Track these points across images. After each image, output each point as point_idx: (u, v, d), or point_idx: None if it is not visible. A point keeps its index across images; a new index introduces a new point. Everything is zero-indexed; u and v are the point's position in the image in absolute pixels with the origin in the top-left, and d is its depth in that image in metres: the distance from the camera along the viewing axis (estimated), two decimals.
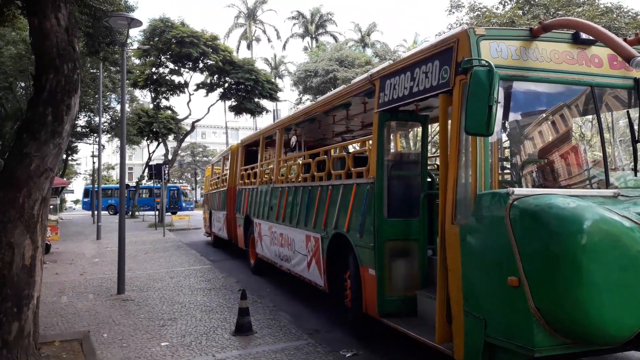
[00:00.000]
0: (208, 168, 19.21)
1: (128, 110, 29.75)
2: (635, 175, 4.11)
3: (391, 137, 5.77)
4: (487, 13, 18.02)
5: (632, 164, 4.09)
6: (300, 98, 36.06)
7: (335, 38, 49.69)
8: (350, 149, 8.49)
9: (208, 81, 26.39)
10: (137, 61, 25.43)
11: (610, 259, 3.04)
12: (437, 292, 4.06)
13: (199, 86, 26.71)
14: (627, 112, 4.17)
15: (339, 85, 14.20)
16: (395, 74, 4.91)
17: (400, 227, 5.04)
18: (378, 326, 5.17)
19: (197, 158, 60.19)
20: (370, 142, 5.37)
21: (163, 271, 10.16)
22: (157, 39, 22.80)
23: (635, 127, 4.00)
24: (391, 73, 5.01)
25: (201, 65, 24.81)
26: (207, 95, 26.56)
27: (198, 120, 26.96)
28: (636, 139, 4.00)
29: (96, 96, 20.67)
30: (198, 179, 61.18)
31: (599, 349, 3.42)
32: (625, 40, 3.88)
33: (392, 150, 5.91)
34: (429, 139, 8.47)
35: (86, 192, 42.84)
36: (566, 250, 3.02)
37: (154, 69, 24.66)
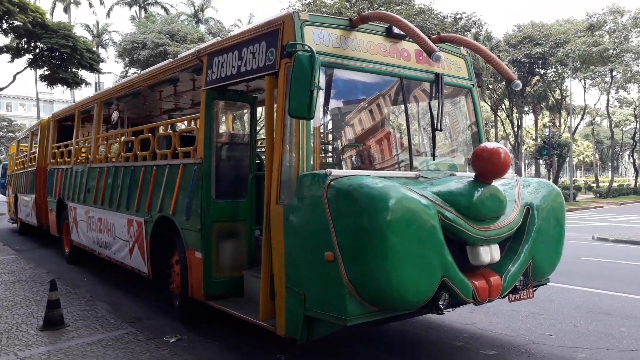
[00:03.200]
0: (13, 145, 16.83)
1: None
2: (434, 159, 4.68)
3: (220, 117, 5.67)
4: (317, 2, 18.74)
5: (432, 150, 4.65)
6: (127, 71, 33.47)
7: (166, 10, 46.94)
8: (179, 127, 8.15)
9: (14, 45, 22.94)
10: None
11: (409, 233, 3.40)
12: (262, 271, 4.14)
13: (2, 49, 23.07)
14: (429, 103, 4.69)
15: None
16: (224, 52, 4.82)
17: (228, 208, 5.02)
18: (206, 309, 5.11)
19: (1, 134, 52.42)
20: (198, 121, 5.22)
21: None
22: None
23: (435, 117, 4.54)
24: (219, 50, 4.90)
25: (5, 25, 21.44)
26: (12, 60, 23.08)
27: (1, 89, 23.40)
28: (435, 127, 4.54)
29: None
30: (2, 157, 53.31)
31: (401, 314, 3.84)
32: (429, 37, 4.36)
33: (221, 131, 5.83)
34: (259, 120, 8.54)
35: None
36: (374, 225, 3.31)
37: None
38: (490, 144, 3.91)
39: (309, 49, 3.65)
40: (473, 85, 5.18)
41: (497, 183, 3.90)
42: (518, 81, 4.77)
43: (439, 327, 5.43)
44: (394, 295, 3.41)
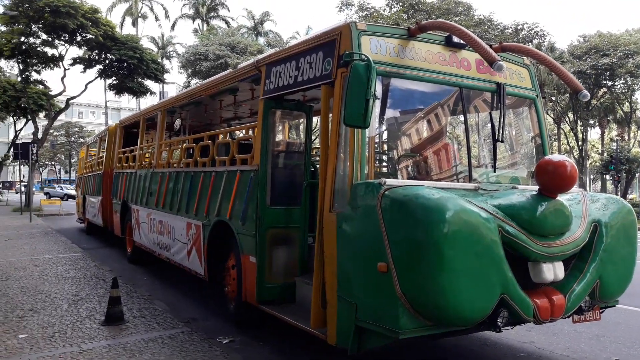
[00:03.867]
0: (82, 150, 17.81)
1: None
2: (494, 171, 4.54)
3: (277, 126, 5.76)
4: (374, 13, 18.79)
5: (492, 161, 4.51)
6: (189, 81, 34.79)
7: (227, 23, 48.52)
8: (238, 135, 8.35)
9: (86, 56, 24.41)
10: (2, 28, 22.77)
11: (468, 247, 3.30)
12: (314, 278, 4.15)
13: (75, 61, 24.59)
14: (490, 114, 4.57)
15: None
16: (281, 62, 4.90)
17: (282, 215, 5.07)
18: (258, 314, 5.17)
19: (73, 139, 55.62)
20: (256, 129, 5.33)
21: (27, 259, 9.25)
22: (27, 5, 20.56)
23: (496, 128, 4.40)
24: (277, 60, 5.00)
25: (79, 38, 22.88)
26: (84, 71, 24.59)
27: (73, 98, 24.90)
28: (496, 139, 4.40)
29: None
30: (73, 161, 56.56)
31: (456, 329, 3.72)
32: (490, 47, 4.25)
33: (277, 139, 5.92)
34: (314, 129, 8.62)
35: None
36: (429, 237, 3.23)
37: (23, 38, 22.24)
38: (556, 157, 3.74)
39: (365, 58, 3.64)
40: (537, 95, 5.00)
41: (562, 197, 3.72)
42: (586, 92, 4.56)
43: (494, 345, 5.23)
44: (449, 311, 3.31)
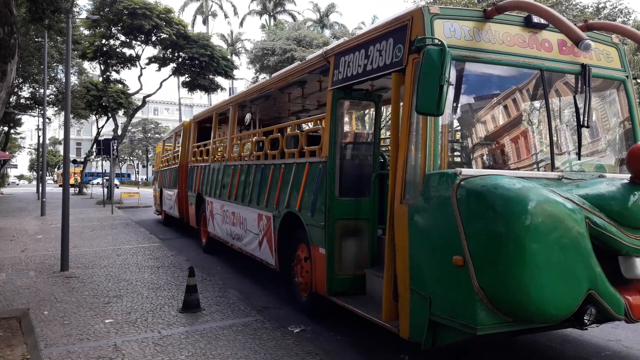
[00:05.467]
0: (159, 145, 18.67)
1: (76, 82, 28.34)
2: (579, 159, 4.24)
3: (345, 116, 5.73)
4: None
5: (577, 148, 4.22)
6: (257, 77, 35.49)
7: (293, 17, 49.01)
8: (305, 127, 8.40)
9: (161, 55, 25.55)
10: (86, 32, 24.32)
11: (552, 240, 3.11)
12: (385, 271, 4.08)
13: (151, 60, 25.83)
14: (574, 97, 4.26)
15: None
16: (350, 51, 4.84)
17: (351, 206, 5.03)
18: (328, 304, 5.18)
19: (149, 135, 58.54)
20: (324, 121, 5.31)
21: (110, 249, 9.84)
22: (107, 9, 21.84)
23: (581, 113, 4.11)
24: (346, 50, 4.94)
25: (154, 38, 24.00)
26: (159, 69, 25.77)
27: (149, 95, 26.15)
28: (581, 124, 4.11)
29: (41, 67, 19.57)
30: (150, 156, 59.57)
31: (538, 326, 3.52)
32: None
33: (345, 130, 5.88)
34: (383, 119, 8.49)
35: None
36: (510, 230, 3.07)
37: (104, 41, 23.66)
38: None
39: (439, 43, 3.50)
40: (627, 76, 4.60)
41: None
42: None
43: (576, 342, 4.93)
44: (531, 308, 3.13)
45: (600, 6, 25.15)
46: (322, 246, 5.05)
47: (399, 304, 3.91)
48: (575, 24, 3.96)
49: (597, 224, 3.22)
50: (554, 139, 4.18)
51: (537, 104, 4.35)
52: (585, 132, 4.26)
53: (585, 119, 4.04)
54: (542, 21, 4.01)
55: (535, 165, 4.29)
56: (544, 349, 4.76)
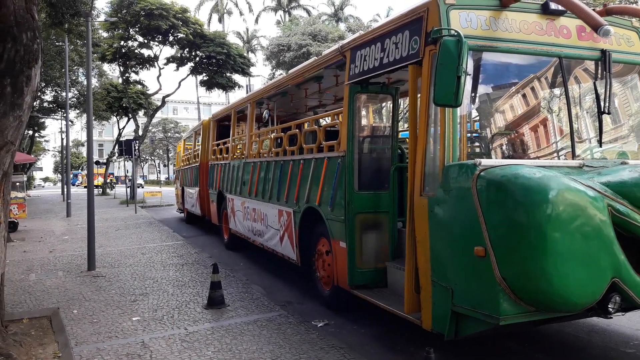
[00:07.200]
0: (179, 144, 18.89)
1: (97, 85, 28.89)
2: (600, 146, 4.19)
3: (362, 110, 5.73)
4: None
5: (598, 135, 4.16)
6: (274, 73, 35.60)
7: (308, 12, 48.90)
8: (323, 122, 8.42)
9: (178, 55, 25.79)
10: (104, 34, 24.68)
11: (574, 228, 3.09)
12: (406, 263, 4.09)
13: (169, 60, 26.09)
14: (594, 84, 4.20)
15: None
16: (366, 45, 4.84)
17: (370, 200, 5.04)
18: (350, 298, 5.22)
19: (169, 134, 59.22)
20: (342, 115, 5.32)
21: (135, 247, 10.03)
22: (125, 11, 22.10)
23: (601, 99, 4.05)
24: (362, 44, 4.94)
25: (171, 38, 24.23)
26: (177, 69, 26.02)
27: (168, 95, 26.43)
28: (602, 111, 4.05)
29: (62, 70, 19.96)
30: (170, 155, 60.29)
31: (562, 315, 3.51)
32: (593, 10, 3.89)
33: (363, 124, 5.89)
34: (400, 112, 8.47)
35: None
36: (532, 219, 3.06)
37: (122, 42, 23.97)
38: None
39: (455, 33, 3.49)
40: None
41: None
42: None
43: (603, 331, 4.88)
44: (554, 297, 3.12)
45: None
46: (342, 240, 5.08)
47: (421, 295, 3.92)
48: (594, 9, 3.91)
49: (620, 211, 3.19)
50: (574, 126, 4.13)
51: (556, 91, 4.29)
52: (606, 118, 4.19)
53: (607, 105, 3.98)
54: (560, 7, 3.95)
55: (555, 154, 4.24)
56: (571, 339, 4.72)
